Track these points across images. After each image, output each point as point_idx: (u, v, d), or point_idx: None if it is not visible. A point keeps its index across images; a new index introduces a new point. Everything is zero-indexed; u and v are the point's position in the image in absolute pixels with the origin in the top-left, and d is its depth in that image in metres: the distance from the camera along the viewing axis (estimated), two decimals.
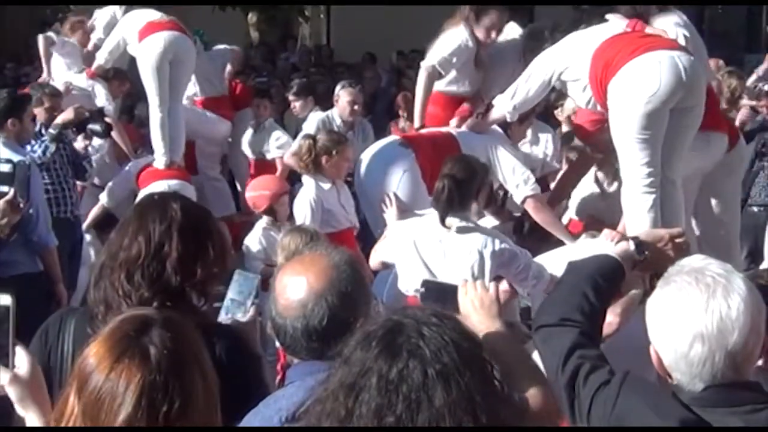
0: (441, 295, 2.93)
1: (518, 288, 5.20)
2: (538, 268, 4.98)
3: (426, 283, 3.11)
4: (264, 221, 6.76)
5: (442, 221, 5.02)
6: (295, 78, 10.68)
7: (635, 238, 2.90)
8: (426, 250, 5.10)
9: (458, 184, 5.01)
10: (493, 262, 4.97)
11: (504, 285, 4.96)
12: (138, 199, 2.97)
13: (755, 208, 7.41)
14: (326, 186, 6.53)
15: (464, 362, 1.86)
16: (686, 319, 2.20)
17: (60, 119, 7.24)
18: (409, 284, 5.17)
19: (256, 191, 6.98)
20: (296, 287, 2.49)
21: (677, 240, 2.88)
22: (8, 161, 4.99)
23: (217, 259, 2.84)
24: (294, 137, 8.72)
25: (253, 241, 6.65)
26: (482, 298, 2.76)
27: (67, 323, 2.86)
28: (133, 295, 2.72)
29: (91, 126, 7.55)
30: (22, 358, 2.23)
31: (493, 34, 6.71)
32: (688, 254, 2.70)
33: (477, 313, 2.72)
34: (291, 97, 9.28)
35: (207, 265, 2.81)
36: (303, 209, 6.50)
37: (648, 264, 2.85)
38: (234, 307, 3.09)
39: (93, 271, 2.88)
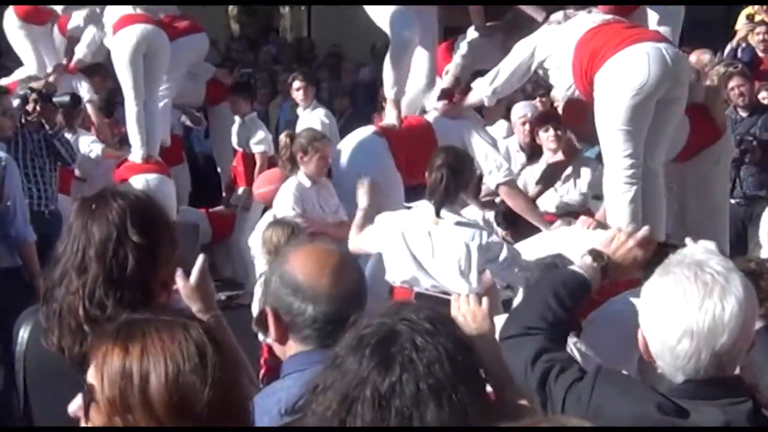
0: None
1: (504, 280, 5.21)
2: (524, 260, 4.98)
3: (418, 296, 3.13)
4: (271, 215, 6.71)
5: (438, 213, 5.04)
6: (277, 69, 10.61)
7: (590, 249, 2.88)
8: (414, 242, 5.11)
9: (455, 174, 5.05)
10: (481, 256, 4.99)
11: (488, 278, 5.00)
12: (78, 203, 2.81)
13: (733, 201, 7.42)
14: (307, 184, 6.49)
15: (458, 376, 1.84)
16: (679, 314, 2.19)
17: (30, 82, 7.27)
18: (396, 276, 5.18)
19: (265, 186, 6.98)
20: (322, 271, 2.41)
21: (637, 235, 2.86)
22: None
23: (173, 248, 2.73)
24: (278, 130, 8.71)
25: (259, 237, 6.60)
26: (474, 312, 2.77)
27: (24, 325, 2.78)
28: (93, 303, 2.60)
29: (57, 98, 7.57)
30: None
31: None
32: (653, 246, 2.75)
33: (469, 328, 2.73)
34: (297, 83, 9.06)
35: (163, 259, 2.70)
36: (282, 207, 6.45)
37: (617, 268, 2.83)
38: None
39: (43, 285, 2.77)
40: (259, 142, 8.93)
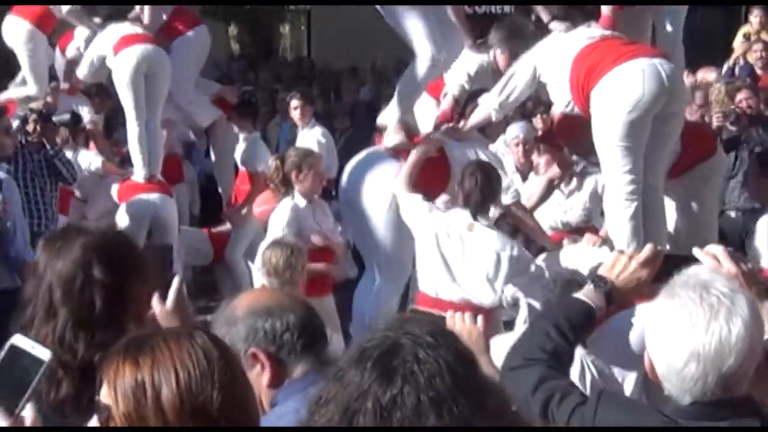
0: None
1: (528, 295, 5.23)
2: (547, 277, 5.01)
3: (414, 312, 3.14)
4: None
5: (474, 217, 5.28)
6: (278, 89, 10.60)
7: (593, 275, 2.88)
8: (446, 247, 5.28)
9: (489, 181, 5.31)
10: (510, 267, 5.09)
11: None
12: (43, 241, 2.76)
13: (732, 213, 7.40)
14: (302, 203, 6.46)
15: (458, 388, 1.84)
16: (685, 337, 2.18)
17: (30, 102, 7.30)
18: (424, 278, 5.39)
19: (264, 205, 7.00)
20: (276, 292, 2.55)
21: (639, 256, 2.84)
22: None
23: (143, 282, 2.67)
24: (278, 150, 8.69)
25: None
26: (470, 331, 2.76)
27: None
28: (64, 347, 2.53)
29: (57, 118, 7.58)
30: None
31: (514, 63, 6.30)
32: (657, 263, 2.72)
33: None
34: (294, 102, 9.04)
35: (134, 294, 2.63)
36: (275, 229, 6.41)
37: (622, 291, 2.82)
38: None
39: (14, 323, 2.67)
40: (260, 162, 8.91)
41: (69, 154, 7.93)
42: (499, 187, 5.48)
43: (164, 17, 8.87)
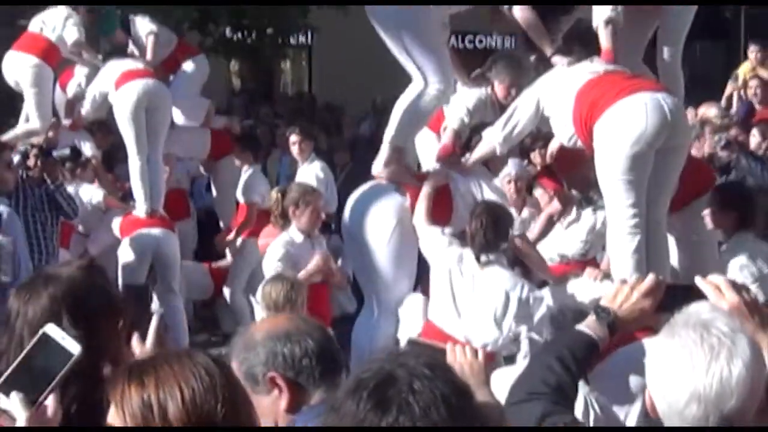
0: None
1: (537, 335, 5.23)
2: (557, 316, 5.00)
3: (411, 342, 3.14)
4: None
5: (478, 259, 5.34)
6: (278, 123, 10.63)
7: (595, 306, 2.86)
8: (458, 284, 5.36)
9: (495, 222, 5.36)
10: (519, 309, 5.12)
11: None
12: (15, 291, 2.72)
13: None
14: (298, 239, 6.47)
15: (453, 419, 1.86)
16: (686, 379, 2.17)
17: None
18: (434, 310, 5.47)
19: (267, 238, 7.03)
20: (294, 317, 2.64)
21: (641, 286, 2.83)
22: None
23: (116, 325, 2.65)
24: (278, 184, 8.69)
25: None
26: (471, 364, 2.76)
27: None
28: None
29: (58, 153, 7.61)
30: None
31: (513, 91, 6.38)
32: (660, 293, 2.71)
33: (466, 379, 2.71)
34: (293, 137, 9.00)
35: (105, 340, 2.60)
36: (271, 263, 6.43)
37: (625, 321, 2.80)
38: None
39: None
40: (257, 194, 8.93)
41: (70, 189, 7.95)
42: (507, 227, 5.53)
43: (168, 51, 9.00)
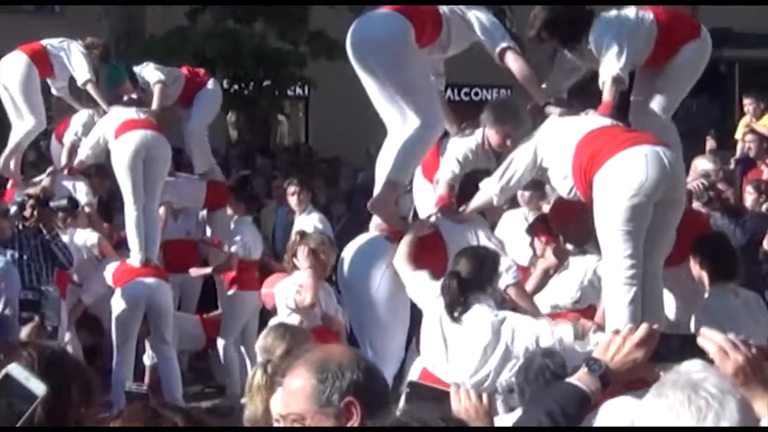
0: (427, 397, 2.90)
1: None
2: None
3: (411, 385, 3.13)
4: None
5: (450, 314, 5.30)
6: (276, 175, 10.68)
7: (587, 358, 2.82)
8: (448, 328, 5.33)
9: (462, 281, 5.30)
10: (503, 357, 5.14)
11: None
12: None
13: None
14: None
15: None
16: None
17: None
18: (426, 355, 5.47)
19: (268, 288, 7.03)
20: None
21: (633, 337, 2.79)
22: None
23: (84, 397, 2.47)
24: (274, 235, 8.71)
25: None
26: (477, 408, 2.75)
27: None
28: None
29: (54, 203, 7.62)
30: None
31: (509, 142, 6.13)
32: (654, 342, 2.67)
33: (472, 423, 2.70)
34: (292, 188, 9.03)
35: (76, 407, 2.42)
36: (281, 308, 6.46)
37: (617, 373, 2.77)
38: None
39: None
40: (238, 243, 8.94)
41: (65, 237, 7.94)
42: (489, 272, 5.45)
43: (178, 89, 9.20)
